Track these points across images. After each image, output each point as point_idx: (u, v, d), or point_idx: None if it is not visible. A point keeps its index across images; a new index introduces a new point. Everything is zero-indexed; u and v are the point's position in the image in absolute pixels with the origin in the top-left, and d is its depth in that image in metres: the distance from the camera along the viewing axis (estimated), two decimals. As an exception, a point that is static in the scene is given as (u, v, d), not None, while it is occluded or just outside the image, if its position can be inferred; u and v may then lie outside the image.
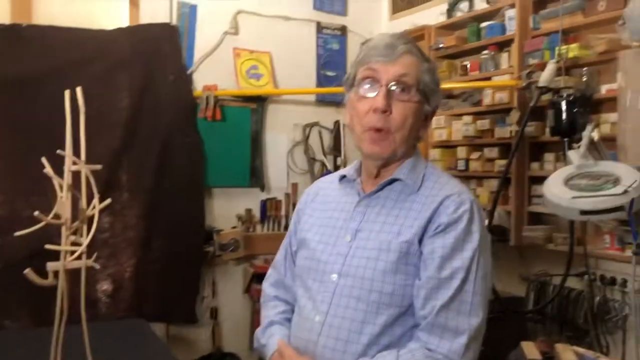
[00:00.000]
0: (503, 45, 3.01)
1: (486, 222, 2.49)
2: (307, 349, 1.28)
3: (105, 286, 3.03)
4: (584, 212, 1.88)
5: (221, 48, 3.49)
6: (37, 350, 1.99)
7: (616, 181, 1.88)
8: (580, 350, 2.02)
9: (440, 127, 3.27)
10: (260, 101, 3.55)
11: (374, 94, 1.26)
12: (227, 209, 3.48)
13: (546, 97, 2.59)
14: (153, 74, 3.23)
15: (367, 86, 1.28)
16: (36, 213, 1.59)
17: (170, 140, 3.23)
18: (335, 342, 1.24)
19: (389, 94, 1.25)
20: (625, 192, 1.82)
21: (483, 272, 1.21)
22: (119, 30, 3.19)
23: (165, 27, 3.30)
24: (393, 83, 1.25)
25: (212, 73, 3.43)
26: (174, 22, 3.34)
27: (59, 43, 3.00)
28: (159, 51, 3.25)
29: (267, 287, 1.57)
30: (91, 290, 2.96)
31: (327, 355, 1.24)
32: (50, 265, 1.69)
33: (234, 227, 3.44)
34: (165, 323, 3.23)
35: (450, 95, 3.39)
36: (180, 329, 3.32)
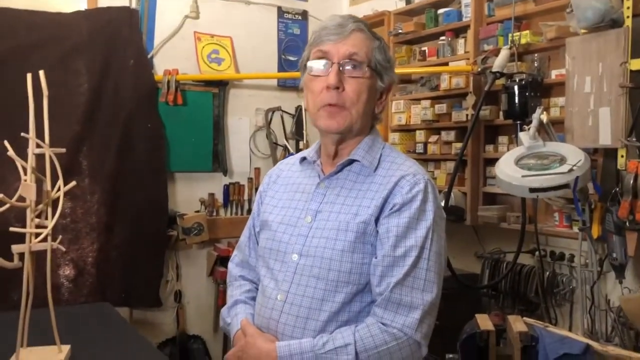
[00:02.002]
0: (459, 32, 3.10)
1: (442, 202, 2.59)
2: (270, 326, 1.33)
3: (67, 271, 3.01)
4: (532, 190, 1.99)
5: (182, 32, 3.47)
6: None
7: (562, 160, 2.00)
8: (530, 320, 2.15)
9: (399, 112, 3.35)
10: (222, 86, 3.56)
11: (327, 72, 1.30)
12: (190, 194, 3.49)
13: (500, 82, 2.69)
14: (112, 58, 3.20)
15: (319, 65, 1.32)
16: (0, 195, 1.59)
17: (132, 125, 3.21)
18: (296, 319, 1.29)
19: (340, 71, 1.29)
20: (571, 170, 1.94)
21: (437, 249, 1.27)
22: (77, 13, 3.14)
23: (124, 10, 3.26)
24: (345, 60, 1.30)
25: (173, 57, 3.42)
26: (134, 5, 3.31)
27: (16, 25, 2.95)
28: (118, 35, 3.21)
29: (233, 267, 1.62)
30: (54, 275, 2.94)
31: (287, 332, 1.29)
32: (16, 248, 1.70)
33: (197, 211, 3.46)
34: (129, 307, 3.24)
35: (409, 80, 3.47)
36: (145, 312, 3.33)
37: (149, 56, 3.34)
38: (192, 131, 3.46)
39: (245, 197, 3.66)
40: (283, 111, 3.78)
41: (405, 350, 1.22)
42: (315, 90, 1.33)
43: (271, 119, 3.75)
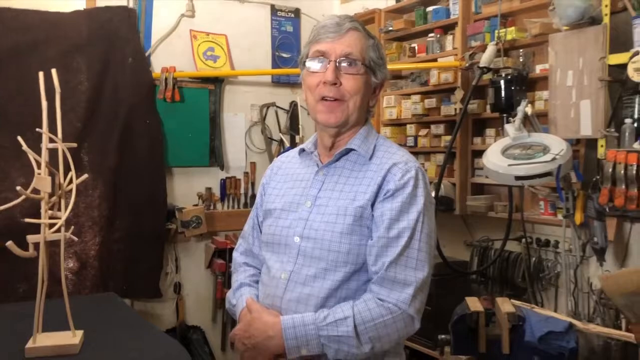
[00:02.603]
0: (448, 29, 3.22)
1: (433, 192, 2.71)
2: (274, 303, 1.44)
3: (71, 264, 3.10)
4: (518, 178, 2.11)
5: (178, 30, 3.56)
6: (2, 326, 2.08)
7: (546, 150, 2.12)
8: (517, 302, 2.27)
9: (390, 106, 3.46)
10: (217, 82, 3.65)
11: (324, 69, 1.41)
12: (188, 188, 3.58)
13: (487, 77, 2.80)
14: (111, 57, 3.28)
15: (317, 62, 1.43)
16: (18, 188, 1.68)
17: (131, 121, 3.30)
18: (299, 295, 1.40)
19: (337, 68, 1.40)
20: (554, 159, 2.06)
21: (427, 231, 1.39)
22: (76, 12, 3.22)
23: (122, 9, 3.34)
24: (341, 58, 1.41)
25: (170, 55, 3.51)
26: (131, 4, 3.39)
27: (16, 25, 3.02)
28: (116, 34, 3.30)
29: (237, 255, 1.72)
30: (57, 269, 3.00)
31: (291, 307, 1.40)
32: (31, 238, 1.79)
33: (196, 205, 3.56)
34: (131, 298, 3.33)
35: (399, 75, 3.58)
36: (145, 304, 3.43)
37: (146, 54, 3.43)
38: (189, 127, 3.55)
39: (242, 190, 3.76)
40: (277, 107, 3.88)
41: (399, 323, 1.34)
42: (312, 85, 1.44)
43: (266, 115, 3.85)
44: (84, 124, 3.15)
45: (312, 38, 1.47)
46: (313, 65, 1.43)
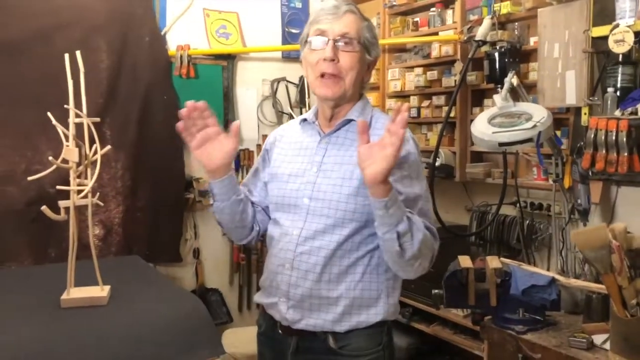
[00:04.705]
0: (448, 3, 3.34)
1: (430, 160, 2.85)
2: (286, 256, 1.63)
3: (97, 231, 3.35)
4: (501, 144, 2.28)
5: (192, 9, 3.73)
6: (40, 283, 2.32)
7: (529, 118, 2.28)
8: (506, 260, 2.45)
9: (395, 79, 3.61)
10: (230, 59, 3.83)
11: (323, 47, 1.59)
12: (204, 159, 3.78)
13: (484, 49, 2.94)
14: (129, 36, 3.46)
15: (317, 41, 1.60)
16: (50, 158, 1.90)
17: (149, 97, 3.50)
18: (310, 248, 1.59)
19: (335, 46, 1.58)
20: (534, 126, 2.22)
21: (426, 186, 1.60)
22: (95, -5, 3.41)
23: (138, -10, 3.53)
24: (338, 37, 1.58)
25: (185, 33, 3.69)
26: (147, -15, 3.57)
27: (40, 9, 3.22)
28: (133, 14, 3.48)
29: None
30: (85, 235, 3.26)
31: (303, 259, 1.59)
32: (62, 203, 2.00)
33: (212, 176, 3.77)
34: (153, 263, 3.58)
35: (403, 49, 3.72)
36: (167, 268, 3.67)
37: (162, 33, 3.61)
38: (204, 101, 3.72)
39: (255, 162, 3.95)
40: (288, 81, 4.04)
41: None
42: (313, 62, 1.61)
43: (277, 89, 4.02)
44: (106, 100, 3.35)
45: (313, 19, 1.65)
46: (315, 42, 1.61)
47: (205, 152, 1.64)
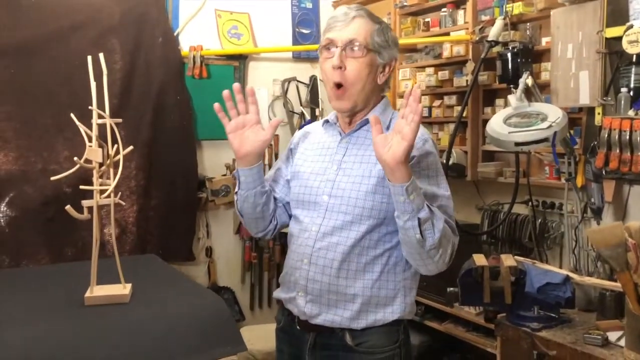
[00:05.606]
0: (460, 3, 3.36)
1: (444, 159, 2.89)
2: (305, 252, 1.67)
3: (112, 230, 3.38)
4: (517, 144, 2.31)
5: (204, 10, 3.77)
6: (60, 281, 2.36)
7: (544, 118, 2.30)
8: (520, 258, 2.48)
9: (406, 79, 3.64)
10: (241, 59, 3.87)
11: (332, 55, 1.63)
12: (216, 159, 3.82)
13: (496, 49, 2.96)
14: (142, 37, 3.50)
15: (328, 50, 1.65)
16: (75, 158, 1.93)
17: (162, 97, 3.54)
18: (328, 244, 1.63)
19: (342, 54, 1.61)
20: (550, 126, 2.24)
21: (446, 184, 1.64)
22: (110, -4, 3.45)
23: (151, -8, 3.56)
24: (345, 45, 1.61)
25: (197, 34, 3.73)
26: (159, -13, 3.61)
27: (56, 11, 3.26)
28: (146, 15, 3.51)
29: None
30: (100, 234, 3.32)
31: (321, 255, 1.64)
32: (85, 203, 2.05)
33: (224, 175, 3.81)
34: (166, 261, 3.61)
35: (414, 49, 3.75)
36: (180, 266, 3.68)
37: (175, 34, 3.65)
38: (216, 102, 3.75)
39: (266, 161, 3.98)
40: (298, 81, 4.08)
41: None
42: (326, 70, 1.66)
43: (287, 89, 4.05)
44: (120, 100, 3.39)
45: (325, 28, 1.69)
46: (325, 51, 1.66)
47: (239, 137, 1.69)
